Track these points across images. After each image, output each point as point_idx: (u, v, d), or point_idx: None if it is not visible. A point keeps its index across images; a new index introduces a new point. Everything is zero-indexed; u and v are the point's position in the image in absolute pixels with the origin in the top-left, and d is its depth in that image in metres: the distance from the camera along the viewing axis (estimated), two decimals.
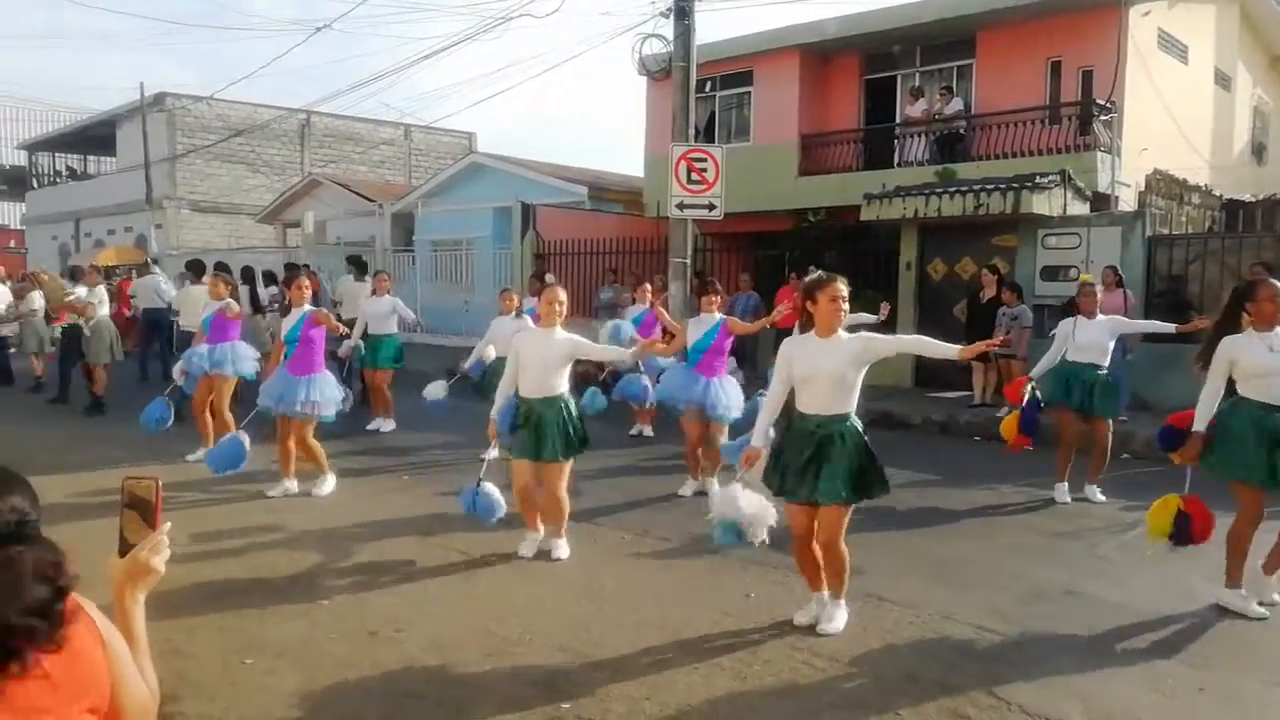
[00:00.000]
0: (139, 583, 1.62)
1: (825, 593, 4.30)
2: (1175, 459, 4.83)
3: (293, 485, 6.81)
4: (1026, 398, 6.77)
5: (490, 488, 5.44)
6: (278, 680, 3.67)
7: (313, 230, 23.42)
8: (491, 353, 8.47)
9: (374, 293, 10.10)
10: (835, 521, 4.10)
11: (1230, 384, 4.65)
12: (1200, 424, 4.66)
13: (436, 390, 8.76)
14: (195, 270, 10.85)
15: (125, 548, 1.60)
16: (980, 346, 4.19)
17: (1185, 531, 4.66)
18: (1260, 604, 4.55)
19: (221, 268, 10.64)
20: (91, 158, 36.39)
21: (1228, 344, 4.60)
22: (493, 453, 5.89)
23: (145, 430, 7.84)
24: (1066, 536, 6.04)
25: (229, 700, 3.49)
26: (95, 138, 33.01)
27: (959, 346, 4.24)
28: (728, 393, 6.95)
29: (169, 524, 1.63)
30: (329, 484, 6.89)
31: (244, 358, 8.14)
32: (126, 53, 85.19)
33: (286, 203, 26.43)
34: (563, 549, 5.35)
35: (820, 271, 4.47)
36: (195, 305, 9.79)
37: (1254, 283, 4.73)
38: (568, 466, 5.30)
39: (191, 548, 5.36)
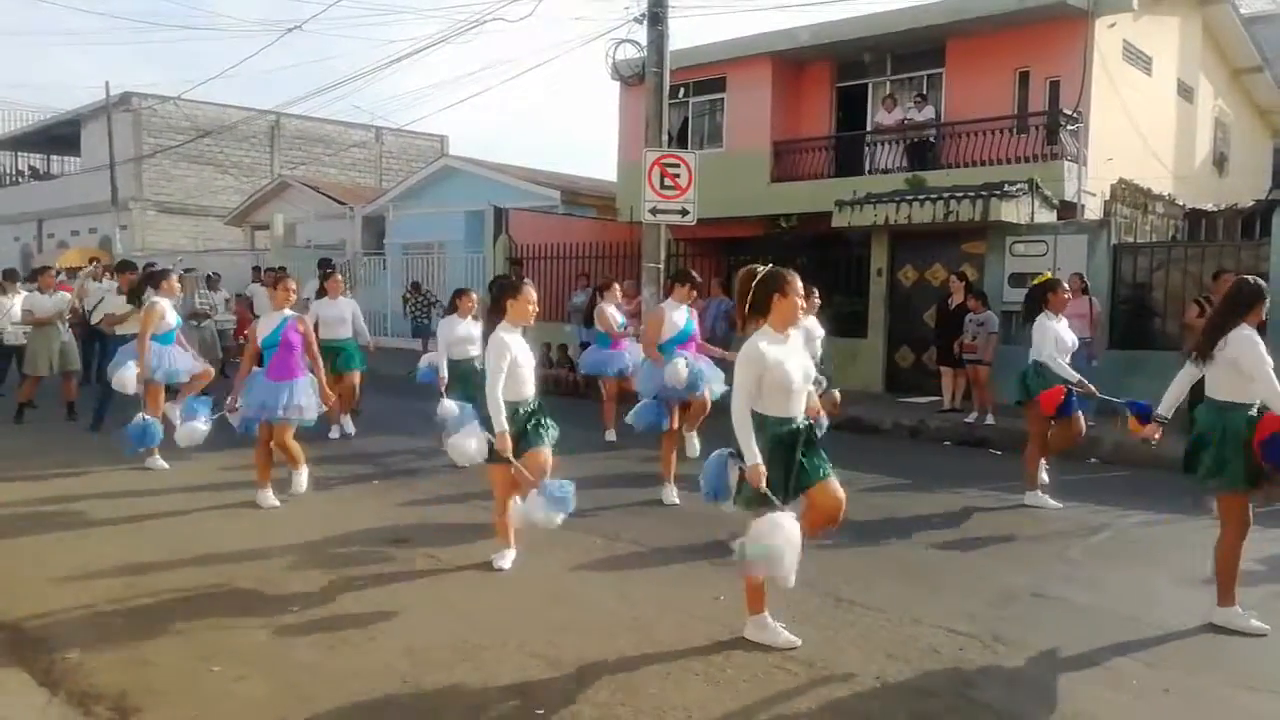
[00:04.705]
0: None
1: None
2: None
3: (270, 495, 6.53)
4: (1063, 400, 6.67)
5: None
6: (246, 688, 3.62)
7: (282, 233, 23.21)
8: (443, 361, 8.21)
9: (324, 294, 9.30)
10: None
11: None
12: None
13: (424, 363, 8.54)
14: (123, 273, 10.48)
15: None
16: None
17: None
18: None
19: (128, 266, 10.16)
20: (55, 157, 35.84)
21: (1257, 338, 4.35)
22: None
23: (129, 450, 7.44)
24: (1035, 540, 6.11)
25: (196, 708, 3.42)
26: (59, 137, 32.50)
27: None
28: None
29: None
30: (303, 477, 6.80)
31: (186, 364, 7.98)
32: (92, 51, 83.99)
33: (255, 205, 26.19)
34: (504, 560, 5.22)
35: (770, 265, 4.10)
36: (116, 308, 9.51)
37: (1260, 287, 4.48)
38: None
39: (156, 556, 5.29)
